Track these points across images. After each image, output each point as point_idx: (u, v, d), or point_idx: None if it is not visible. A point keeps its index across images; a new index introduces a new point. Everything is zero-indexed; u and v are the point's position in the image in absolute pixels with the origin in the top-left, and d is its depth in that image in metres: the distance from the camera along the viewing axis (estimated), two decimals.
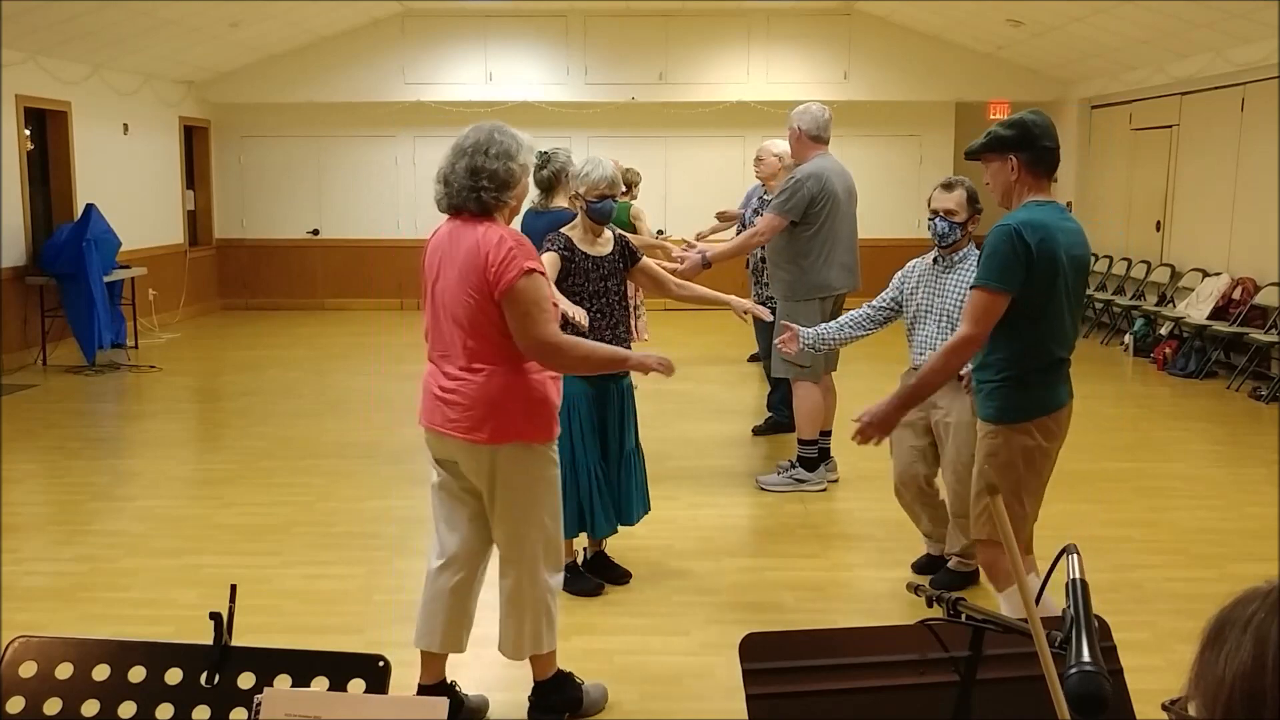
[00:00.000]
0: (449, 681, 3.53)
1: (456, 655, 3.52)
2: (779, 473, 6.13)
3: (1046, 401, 3.43)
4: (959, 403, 4.36)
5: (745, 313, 4.84)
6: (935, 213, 4.47)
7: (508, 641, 3.43)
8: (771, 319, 5.42)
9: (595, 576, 4.68)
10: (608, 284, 4.39)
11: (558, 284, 4.44)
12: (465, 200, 3.17)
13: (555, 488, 3.40)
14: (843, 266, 5.88)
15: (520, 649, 3.42)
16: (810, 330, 4.82)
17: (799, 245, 5.82)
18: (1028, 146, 3.42)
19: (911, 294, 4.62)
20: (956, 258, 4.47)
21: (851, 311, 4.85)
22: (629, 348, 4.34)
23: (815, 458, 6.06)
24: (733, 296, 4.81)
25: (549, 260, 4.32)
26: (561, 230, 4.45)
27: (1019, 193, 3.47)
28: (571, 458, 4.35)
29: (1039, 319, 3.37)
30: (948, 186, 4.49)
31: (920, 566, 4.84)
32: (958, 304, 4.31)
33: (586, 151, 6.80)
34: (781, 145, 6.63)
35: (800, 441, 6.05)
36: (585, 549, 4.79)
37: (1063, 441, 3.55)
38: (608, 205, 4.33)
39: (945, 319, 4.44)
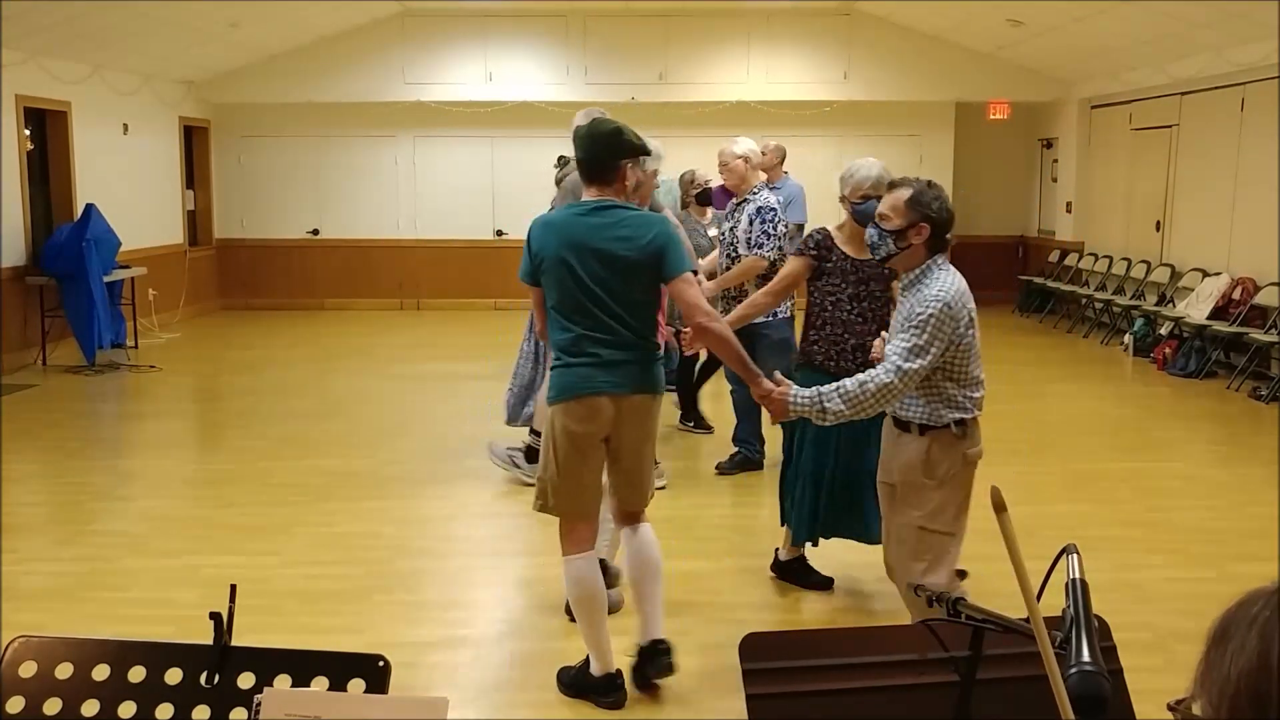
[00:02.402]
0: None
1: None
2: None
3: (575, 387, 3.55)
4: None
5: None
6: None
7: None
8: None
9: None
10: (870, 287, 4.39)
11: (809, 283, 4.48)
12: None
13: None
14: None
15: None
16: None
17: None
18: (577, 150, 3.62)
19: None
20: (912, 276, 3.40)
21: None
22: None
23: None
24: None
25: (798, 263, 4.48)
26: (826, 227, 4.50)
27: (578, 192, 3.77)
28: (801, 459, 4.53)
29: (561, 310, 3.55)
30: (891, 185, 3.56)
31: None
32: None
33: None
34: (745, 144, 6.45)
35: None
36: (779, 549, 4.82)
37: (599, 433, 3.58)
38: (870, 206, 4.27)
39: None
